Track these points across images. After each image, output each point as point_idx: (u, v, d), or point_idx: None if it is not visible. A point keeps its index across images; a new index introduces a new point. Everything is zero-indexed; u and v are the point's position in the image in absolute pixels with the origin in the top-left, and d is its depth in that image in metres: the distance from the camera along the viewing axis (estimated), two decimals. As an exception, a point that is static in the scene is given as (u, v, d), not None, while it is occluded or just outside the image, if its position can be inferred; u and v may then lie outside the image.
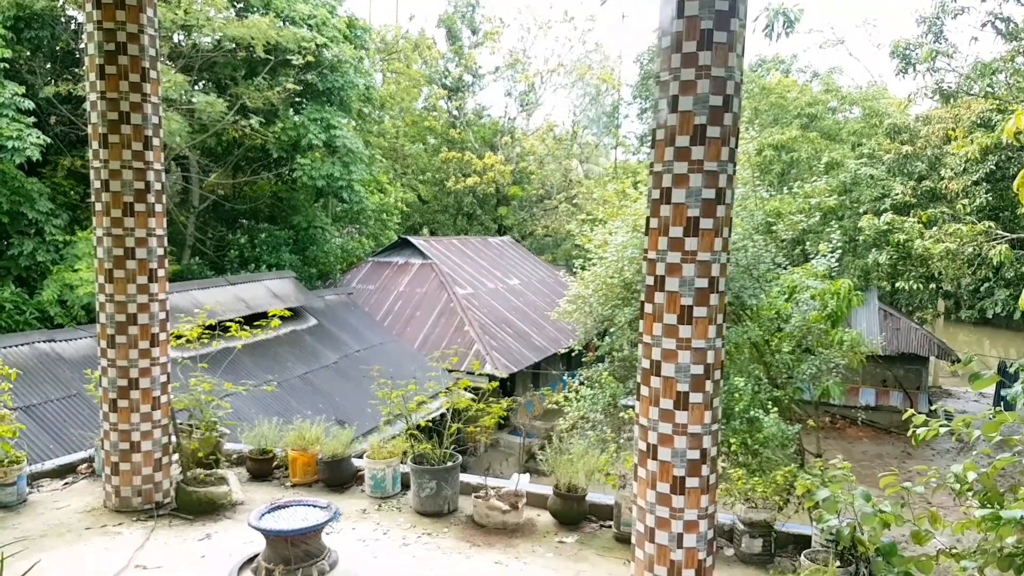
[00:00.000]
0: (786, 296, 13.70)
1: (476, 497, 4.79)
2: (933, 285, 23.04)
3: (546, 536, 4.64)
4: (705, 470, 3.76)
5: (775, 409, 12.76)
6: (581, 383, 14.41)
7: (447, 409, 5.21)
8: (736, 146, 3.81)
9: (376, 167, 23.40)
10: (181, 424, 5.25)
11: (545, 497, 4.95)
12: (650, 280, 3.81)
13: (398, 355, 16.99)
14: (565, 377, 21.86)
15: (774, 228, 18.26)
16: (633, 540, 3.93)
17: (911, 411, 4.36)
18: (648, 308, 3.82)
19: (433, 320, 20.33)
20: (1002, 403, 23.79)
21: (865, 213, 24.20)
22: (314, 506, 4.17)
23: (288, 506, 4.16)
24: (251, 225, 21.36)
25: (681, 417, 3.72)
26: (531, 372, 20.99)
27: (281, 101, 18.78)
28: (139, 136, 4.92)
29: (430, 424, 5.74)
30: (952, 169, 22.33)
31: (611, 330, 13.78)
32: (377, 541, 4.52)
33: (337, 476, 5.36)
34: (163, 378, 5.06)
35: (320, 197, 21.70)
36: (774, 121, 33.08)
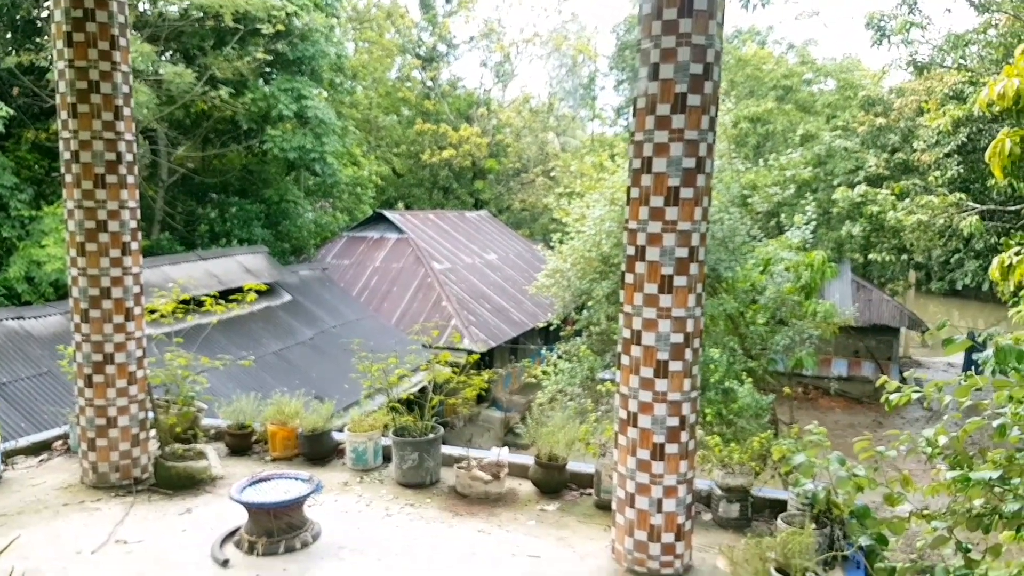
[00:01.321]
0: (761, 268, 13.81)
1: (458, 468, 4.81)
2: (905, 257, 23.36)
3: (528, 505, 4.68)
4: (684, 436, 3.81)
5: (749, 380, 12.92)
6: (559, 357, 14.48)
7: (428, 382, 5.21)
8: (716, 115, 3.81)
9: (349, 139, 23.12)
10: (158, 399, 5.20)
11: (526, 467, 4.98)
12: (631, 250, 3.81)
13: (375, 331, 16.93)
14: (543, 351, 21.96)
15: (749, 201, 18.34)
16: (614, 506, 3.98)
17: (884, 378, 4.45)
18: (629, 278, 3.83)
19: (410, 295, 20.26)
20: (973, 368, 24.23)
21: (839, 185, 24.42)
22: (296, 479, 4.16)
23: (270, 479, 4.15)
24: (221, 199, 21.06)
25: (661, 385, 3.75)
26: (509, 347, 21.05)
27: (250, 71, 18.44)
28: (109, 106, 4.80)
29: (411, 397, 5.75)
30: (924, 141, 22.51)
31: (589, 304, 13.82)
32: (360, 512, 4.53)
33: (317, 450, 5.35)
34: (139, 352, 4.99)
35: (292, 170, 21.43)
36: (750, 93, 33.14)
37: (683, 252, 3.71)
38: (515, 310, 21.76)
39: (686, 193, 3.68)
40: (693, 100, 3.65)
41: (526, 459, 5.04)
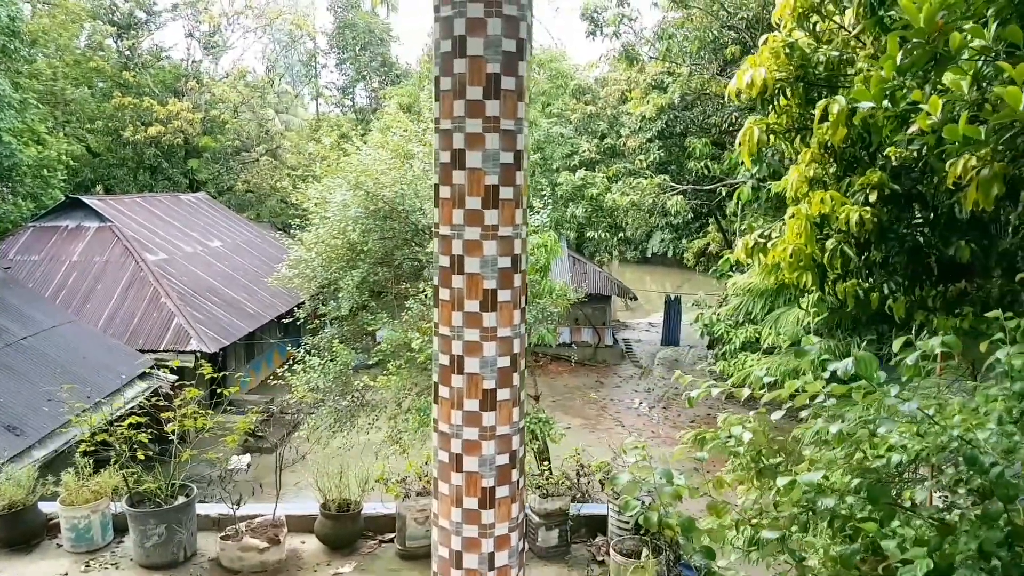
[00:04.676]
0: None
1: (223, 539, 3.83)
2: (621, 234, 25.47)
3: (317, 570, 3.88)
4: (515, 475, 3.28)
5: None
6: (307, 352, 13.35)
7: (173, 432, 4.10)
8: (529, 101, 3.29)
9: (30, 113, 19.33)
10: None
11: (310, 519, 4.15)
12: (445, 261, 3.16)
13: (78, 339, 14.35)
14: (286, 345, 20.42)
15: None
16: (435, 568, 3.34)
17: (689, 377, 4.33)
18: (444, 294, 3.18)
19: (120, 293, 17.59)
20: (671, 325, 26.96)
21: (557, 170, 25.97)
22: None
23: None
24: None
25: (488, 419, 3.17)
26: (244, 343, 19.20)
27: None
28: None
29: (141, 427, 4.54)
30: (629, 128, 24.64)
31: (340, 294, 12.88)
32: (90, 622, 3.40)
33: (19, 532, 4.01)
34: None
35: (-45, 151, 17.37)
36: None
37: (506, 262, 3.14)
38: (249, 302, 19.94)
39: (506, 193, 3.11)
40: (508, 83, 3.07)
41: (308, 508, 4.21)
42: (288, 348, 20.59)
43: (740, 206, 17.81)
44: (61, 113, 26.08)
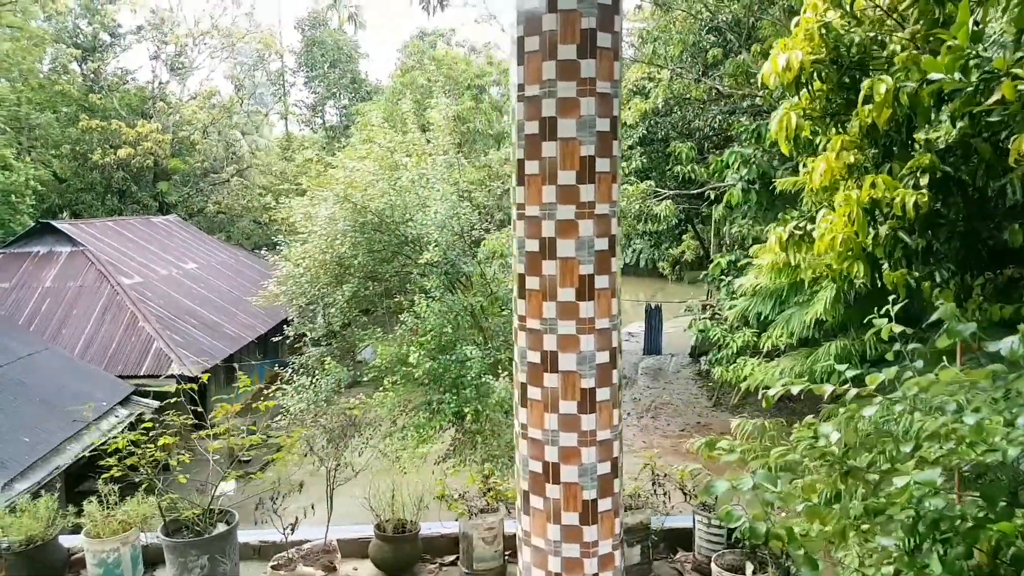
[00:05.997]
0: (489, 260, 13.58)
1: (274, 568, 3.41)
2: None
3: (379, 599, 3.46)
4: (616, 485, 2.92)
5: (505, 373, 12.61)
6: (295, 372, 12.81)
7: (212, 451, 3.69)
8: (622, 66, 2.96)
9: (-4, 140, 18.66)
10: None
11: (364, 542, 3.73)
12: (533, 244, 2.80)
13: (55, 367, 13.64)
14: (264, 366, 19.79)
15: (474, 196, 18.24)
16: (527, 594, 2.96)
17: (759, 378, 4.01)
18: (532, 282, 2.81)
19: (96, 318, 16.88)
20: (652, 334, 26.65)
21: (539, 177, 25.51)
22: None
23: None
24: None
25: (588, 422, 2.81)
26: (224, 366, 18.52)
27: None
28: None
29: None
30: (609, 134, 24.47)
31: (330, 310, 12.42)
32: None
33: (39, 569, 3.53)
34: None
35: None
36: (447, 93, 33.51)
37: (603, 243, 2.79)
38: (229, 324, 19.29)
39: (602, 165, 2.77)
40: (603, 40, 2.74)
41: (362, 530, 3.79)
42: (267, 368, 19.94)
43: (730, 209, 17.74)
44: (26, 139, 25.29)
